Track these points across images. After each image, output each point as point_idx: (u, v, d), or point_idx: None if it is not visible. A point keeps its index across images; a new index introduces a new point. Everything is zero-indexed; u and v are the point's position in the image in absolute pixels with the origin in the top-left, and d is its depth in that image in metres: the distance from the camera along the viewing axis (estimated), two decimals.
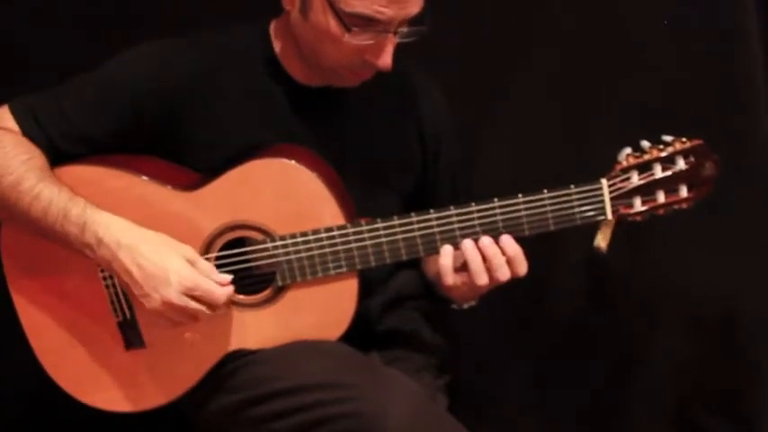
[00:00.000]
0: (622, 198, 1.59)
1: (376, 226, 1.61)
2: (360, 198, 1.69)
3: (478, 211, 1.59)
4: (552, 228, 1.59)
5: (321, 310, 1.66)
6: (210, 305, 1.57)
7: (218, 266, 1.65)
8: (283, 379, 1.60)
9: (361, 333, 1.70)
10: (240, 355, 1.67)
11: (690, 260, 2.19)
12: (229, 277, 1.60)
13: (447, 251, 1.60)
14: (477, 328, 2.19)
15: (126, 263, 1.55)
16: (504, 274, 1.58)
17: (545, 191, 1.58)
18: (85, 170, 1.66)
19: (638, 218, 1.60)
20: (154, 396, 1.70)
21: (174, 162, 1.69)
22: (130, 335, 1.68)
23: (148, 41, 1.69)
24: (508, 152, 2.19)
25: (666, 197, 1.59)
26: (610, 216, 1.59)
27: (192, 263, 1.57)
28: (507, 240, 1.58)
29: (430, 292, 1.84)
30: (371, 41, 1.57)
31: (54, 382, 1.71)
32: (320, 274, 1.63)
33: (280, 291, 1.66)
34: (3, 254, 1.70)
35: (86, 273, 1.66)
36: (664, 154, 1.58)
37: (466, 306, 1.75)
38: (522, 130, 2.17)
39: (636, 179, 1.58)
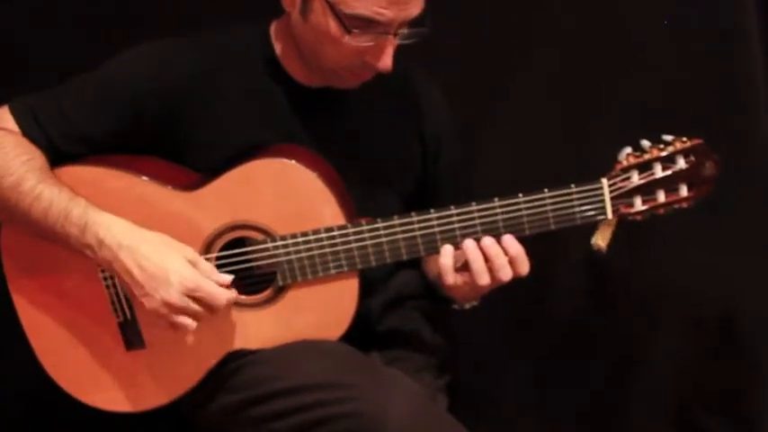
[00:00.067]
0: (623, 197, 1.59)
1: (376, 226, 1.61)
2: (360, 198, 1.69)
3: (479, 210, 1.59)
4: (553, 227, 1.59)
5: (322, 310, 1.66)
6: (211, 307, 1.57)
7: (218, 266, 1.65)
8: (283, 379, 1.60)
9: (362, 333, 1.70)
10: (240, 355, 1.67)
11: (690, 260, 2.19)
12: (230, 278, 1.60)
13: (447, 251, 1.60)
14: (476, 328, 2.19)
15: (127, 263, 1.55)
16: (506, 275, 1.58)
17: (545, 190, 1.58)
18: (85, 170, 1.65)
19: (639, 217, 1.60)
20: (154, 396, 1.70)
21: (174, 162, 1.69)
22: (131, 335, 1.68)
23: (148, 41, 1.69)
24: (508, 152, 2.19)
25: (667, 197, 1.59)
26: (610, 215, 1.59)
27: (193, 264, 1.57)
28: (509, 240, 1.58)
29: (431, 292, 1.84)
30: (371, 43, 1.57)
31: (54, 382, 1.71)
32: (321, 274, 1.63)
33: (280, 291, 1.66)
34: (3, 254, 1.70)
35: (87, 273, 1.66)
36: (664, 153, 1.58)
37: (468, 306, 1.75)
38: (523, 129, 2.18)
39: (636, 179, 1.58)
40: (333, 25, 1.56)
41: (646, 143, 1.59)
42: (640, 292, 2.24)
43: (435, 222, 1.60)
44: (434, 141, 1.81)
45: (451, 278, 1.60)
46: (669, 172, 1.59)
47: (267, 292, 1.66)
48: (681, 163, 1.58)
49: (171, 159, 1.68)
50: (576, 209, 1.59)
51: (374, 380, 1.59)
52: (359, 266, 1.63)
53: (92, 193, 1.61)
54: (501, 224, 1.59)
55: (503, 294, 1.67)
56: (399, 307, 1.85)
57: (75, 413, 1.73)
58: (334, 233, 1.61)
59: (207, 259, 1.64)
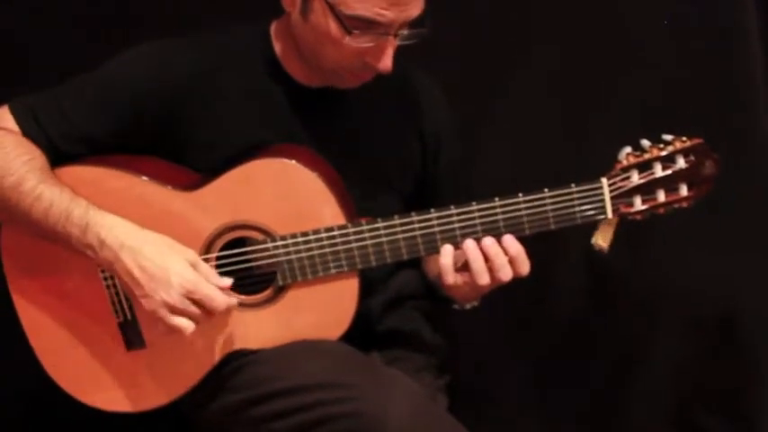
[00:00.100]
0: (623, 197, 1.59)
1: (376, 225, 1.61)
2: (360, 198, 1.69)
3: (479, 210, 1.59)
4: (553, 227, 1.59)
5: (322, 310, 1.66)
6: (209, 310, 1.57)
7: (218, 266, 1.65)
8: (284, 379, 1.60)
9: (362, 333, 1.70)
10: (241, 355, 1.67)
11: (690, 260, 2.19)
12: (230, 281, 1.60)
13: (447, 250, 1.60)
14: (477, 328, 2.19)
15: (128, 264, 1.55)
16: (506, 274, 1.58)
17: (545, 190, 1.58)
18: (85, 170, 1.65)
19: (639, 217, 1.60)
20: (154, 396, 1.70)
21: (174, 162, 1.68)
22: (131, 335, 1.68)
23: (148, 41, 1.69)
24: (508, 151, 2.19)
25: (667, 196, 1.59)
26: (610, 215, 1.59)
27: (193, 266, 1.57)
28: (510, 240, 1.58)
29: (431, 292, 1.84)
30: (372, 44, 1.57)
31: (54, 382, 1.71)
32: (321, 274, 1.63)
33: (280, 290, 1.66)
34: (3, 254, 1.70)
35: (87, 273, 1.66)
36: (664, 153, 1.58)
37: (468, 306, 1.75)
38: (523, 128, 2.18)
39: (636, 178, 1.58)
40: (333, 26, 1.56)
41: (646, 143, 1.59)
42: (640, 292, 2.24)
43: (435, 222, 1.60)
44: (434, 140, 1.81)
45: (451, 278, 1.60)
46: (669, 171, 1.59)
47: (267, 292, 1.66)
48: (681, 162, 1.58)
49: (171, 159, 1.68)
50: (576, 208, 1.59)
51: (374, 380, 1.59)
52: (359, 266, 1.63)
53: (92, 193, 1.61)
54: (501, 224, 1.59)
55: (503, 294, 1.67)
56: (399, 307, 1.85)
57: (75, 413, 1.73)
58: (335, 233, 1.61)
59: (207, 259, 1.64)
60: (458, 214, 1.59)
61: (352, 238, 1.61)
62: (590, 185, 1.58)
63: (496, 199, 1.58)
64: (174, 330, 1.56)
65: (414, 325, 1.86)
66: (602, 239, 1.61)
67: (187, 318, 1.56)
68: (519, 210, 1.58)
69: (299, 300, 1.65)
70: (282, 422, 1.59)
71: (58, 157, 1.65)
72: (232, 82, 1.68)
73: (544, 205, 1.58)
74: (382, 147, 1.77)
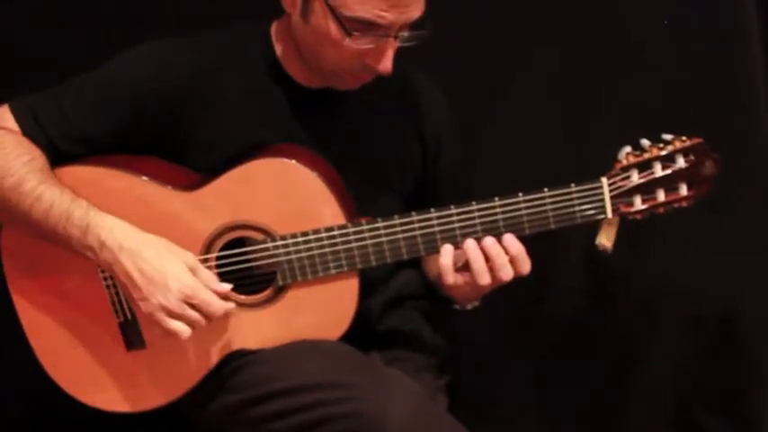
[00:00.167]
0: (623, 197, 1.59)
1: (376, 225, 1.61)
2: (360, 198, 1.69)
3: (479, 210, 1.59)
4: (553, 226, 1.59)
5: (322, 310, 1.66)
6: (207, 315, 1.57)
7: (218, 266, 1.65)
8: (283, 379, 1.60)
9: (362, 333, 1.70)
10: (240, 355, 1.67)
11: (690, 260, 2.19)
12: (228, 287, 1.60)
13: (447, 250, 1.59)
14: (477, 328, 2.19)
15: (127, 266, 1.55)
16: (507, 274, 1.57)
17: (545, 190, 1.58)
18: (85, 170, 1.65)
19: (639, 216, 1.60)
20: (154, 396, 1.70)
21: (174, 162, 1.69)
22: (131, 335, 1.68)
23: (148, 41, 1.69)
24: (508, 152, 2.19)
25: (666, 196, 1.59)
26: (610, 215, 1.59)
27: (193, 270, 1.57)
28: (510, 239, 1.58)
29: (432, 293, 1.84)
30: (372, 45, 1.57)
31: (54, 382, 1.71)
32: (321, 274, 1.63)
33: (280, 290, 1.66)
34: (3, 254, 1.70)
35: (87, 273, 1.66)
36: (664, 152, 1.58)
37: (469, 307, 1.75)
38: (523, 129, 2.18)
39: (636, 178, 1.58)
40: (333, 28, 1.56)
41: (645, 142, 1.59)
42: (640, 292, 2.24)
43: (435, 222, 1.60)
44: (434, 141, 1.81)
45: (451, 278, 1.60)
46: (669, 171, 1.59)
47: (267, 292, 1.66)
48: (680, 162, 1.59)
49: (171, 159, 1.68)
50: (576, 208, 1.59)
51: (374, 380, 1.59)
52: (359, 266, 1.63)
53: (92, 194, 1.61)
54: (501, 224, 1.59)
55: (503, 294, 1.67)
56: (399, 307, 1.85)
57: (75, 413, 1.73)
58: (335, 233, 1.61)
59: (207, 259, 1.64)
60: (458, 214, 1.59)
61: (352, 237, 1.61)
62: (590, 185, 1.58)
63: (496, 199, 1.58)
64: (171, 334, 1.56)
65: (414, 325, 1.86)
66: (605, 239, 1.60)
67: (184, 322, 1.56)
68: (519, 209, 1.58)
69: (299, 300, 1.65)
70: (282, 422, 1.59)
71: (57, 157, 1.65)
72: (232, 82, 1.68)
73: (544, 205, 1.58)
74: (382, 148, 1.77)
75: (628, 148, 1.59)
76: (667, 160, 1.58)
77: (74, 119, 1.65)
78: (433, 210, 1.60)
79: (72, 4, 2.11)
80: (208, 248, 1.65)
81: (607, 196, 1.58)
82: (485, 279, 1.58)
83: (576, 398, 2.28)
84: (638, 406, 2.27)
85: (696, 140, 1.59)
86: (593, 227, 1.61)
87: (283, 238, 1.62)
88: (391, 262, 1.62)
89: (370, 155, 1.76)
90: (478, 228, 1.59)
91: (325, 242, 1.62)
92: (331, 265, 1.62)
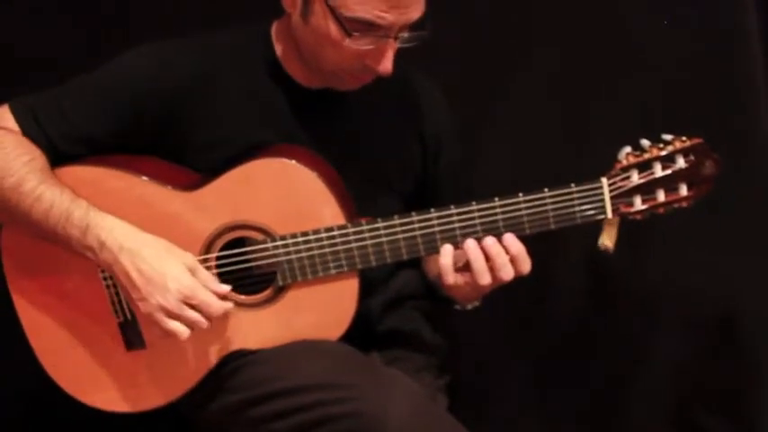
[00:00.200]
0: (623, 197, 1.59)
1: (376, 225, 1.61)
2: (360, 198, 1.69)
3: (479, 210, 1.59)
4: (553, 227, 1.59)
5: (322, 310, 1.66)
6: (206, 315, 1.57)
7: (218, 266, 1.65)
8: (283, 379, 1.60)
9: (362, 333, 1.70)
10: (240, 355, 1.67)
11: (690, 260, 2.19)
12: (228, 288, 1.60)
13: (447, 250, 1.59)
14: (477, 328, 2.19)
15: (126, 266, 1.55)
16: (507, 274, 1.57)
17: (545, 190, 1.58)
18: (85, 170, 1.65)
19: (639, 216, 1.60)
20: (154, 396, 1.70)
21: (174, 162, 1.69)
22: (131, 335, 1.68)
23: (148, 42, 1.69)
24: (508, 152, 2.19)
25: (666, 196, 1.59)
26: (610, 215, 1.59)
27: (192, 271, 1.57)
28: (510, 239, 1.58)
29: (432, 293, 1.84)
30: (372, 46, 1.57)
31: (54, 382, 1.71)
32: (321, 274, 1.63)
33: (280, 290, 1.66)
34: (3, 254, 1.70)
35: (87, 273, 1.66)
36: (664, 153, 1.58)
37: (470, 307, 1.75)
38: (523, 129, 2.18)
39: (636, 178, 1.58)
40: (333, 28, 1.56)
41: (645, 142, 1.59)
42: (640, 292, 2.24)
43: (435, 222, 1.60)
44: (434, 141, 1.81)
45: (452, 278, 1.60)
46: (669, 171, 1.59)
47: (267, 292, 1.66)
48: (680, 162, 1.58)
49: (171, 159, 1.68)
50: (576, 208, 1.59)
51: (374, 380, 1.59)
52: (359, 266, 1.63)
53: (92, 194, 1.61)
54: (501, 224, 1.59)
55: (503, 294, 1.67)
56: (399, 307, 1.85)
57: (74, 413, 1.73)
58: (334, 233, 1.61)
59: (206, 259, 1.64)
60: (458, 214, 1.59)
61: (351, 238, 1.61)
62: (590, 185, 1.58)
63: (496, 199, 1.58)
64: (170, 335, 1.56)
65: (414, 325, 1.86)
66: (608, 240, 1.60)
67: (183, 323, 1.56)
68: (519, 209, 1.58)
69: (299, 300, 1.65)
70: (282, 422, 1.59)
71: (57, 157, 1.65)
72: (232, 82, 1.68)
73: (544, 205, 1.58)
74: (382, 148, 1.77)
75: (628, 149, 1.59)
76: (667, 160, 1.58)
77: (74, 119, 1.65)
78: (432, 210, 1.60)
79: (72, 4, 2.11)
80: (208, 248, 1.65)
81: (607, 196, 1.58)
82: (485, 279, 1.57)
83: (576, 398, 2.28)
84: (638, 406, 2.27)
85: (696, 140, 1.59)
86: (594, 227, 1.61)
87: (283, 238, 1.62)
88: (391, 262, 1.62)
89: (370, 155, 1.76)
90: (478, 228, 1.59)
91: (325, 242, 1.62)
92: (331, 265, 1.62)
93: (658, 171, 1.58)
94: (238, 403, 1.65)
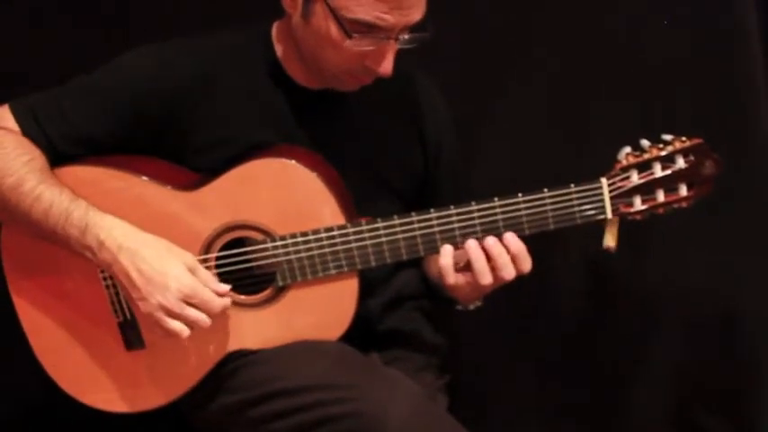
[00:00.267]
0: (622, 197, 1.59)
1: (376, 225, 1.61)
2: (360, 199, 1.69)
3: (479, 210, 1.59)
4: (552, 227, 1.59)
5: (321, 310, 1.66)
6: (206, 314, 1.57)
7: (218, 266, 1.65)
8: (283, 379, 1.60)
9: (362, 333, 1.70)
10: (240, 356, 1.67)
11: (690, 260, 2.19)
12: (228, 287, 1.60)
13: (447, 251, 1.59)
14: (477, 328, 2.19)
15: (126, 266, 1.55)
16: (509, 273, 1.57)
17: (545, 190, 1.58)
18: (85, 170, 1.65)
19: (638, 217, 1.60)
20: (154, 396, 1.70)
21: (173, 162, 1.68)
22: (131, 335, 1.68)
23: (148, 42, 1.69)
24: (508, 151, 2.19)
25: (666, 196, 1.59)
26: (610, 215, 1.59)
27: (192, 270, 1.57)
28: (511, 238, 1.58)
29: (434, 293, 1.84)
30: (372, 47, 1.57)
31: (54, 382, 1.71)
32: (320, 274, 1.63)
33: (280, 291, 1.66)
34: (3, 254, 1.70)
35: (86, 273, 1.66)
36: (663, 153, 1.58)
37: (472, 307, 1.75)
38: (522, 129, 2.17)
39: (636, 178, 1.58)
40: (334, 29, 1.56)
41: (645, 143, 1.59)
42: (640, 292, 2.24)
43: (435, 222, 1.60)
44: (434, 141, 1.81)
45: (452, 278, 1.60)
46: (669, 171, 1.59)
47: (267, 292, 1.66)
48: (680, 162, 1.59)
49: (171, 159, 1.68)
50: (576, 208, 1.59)
51: (374, 380, 1.59)
52: (359, 266, 1.63)
53: (91, 194, 1.61)
54: (501, 224, 1.59)
55: (503, 295, 1.67)
56: (399, 307, 1.85)
57: (74, 413, 1.73)
58: (334, 233, 1.61)
59: (206, 259, 1.64)
60: (457, 214, 1.59)
61: (351, 238, 1.61)
62: (589, 185, 1.58)
63: (496, 199, 1.59)
64: (170, 334, 1.56)
65: (414, 325, 1.86)
66: (611, 240, 1.60)
67: (183, 322, 1.56)
68: (518, 210, 1.58)
69: (299, 300, 1.65)
70: (282, 423, 1.59)
71: (57, 157, 1.65)
72: (233, 83, 1.68)
73: (544, 205, 1.58)
74: (382, 148, 1.77)
75: (628, 149, 1.59)
76: (667, 161, 1.58)
77: (74, 119, 1.65)
78: (432, 210, 1.60)
79: (72, 4, 2.11)
80: (207, 248, 1.65)
81: (607, 197, 1.58)
82: (486, 279, 1.57)
83: (576, 398, 2.28)
84: (638, 406, 2.27)
85: (696, 141, 1.59)
86: (594, 227, 1.61)
87: (283, 238, 1.62)
88: (391, 262, 1.62)
89: (370, 155, 1.76)
90: (478, 228, 1.59)
91: (325, 242, 1.62)
92: (331, 265, 1.62)
93: (658, 171, 1.58)
94: (238, 403, 1.65)
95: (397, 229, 1.61)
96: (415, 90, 1.81)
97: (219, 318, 1.61)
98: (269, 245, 1.63)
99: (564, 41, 2.14)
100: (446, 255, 1.59)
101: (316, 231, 1.62)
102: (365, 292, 1.68)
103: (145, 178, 1.65)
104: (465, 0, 2.10)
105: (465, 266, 1.60)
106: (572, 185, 1.58)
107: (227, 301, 1.59)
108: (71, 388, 1.71)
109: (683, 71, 2.12)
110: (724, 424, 2.25)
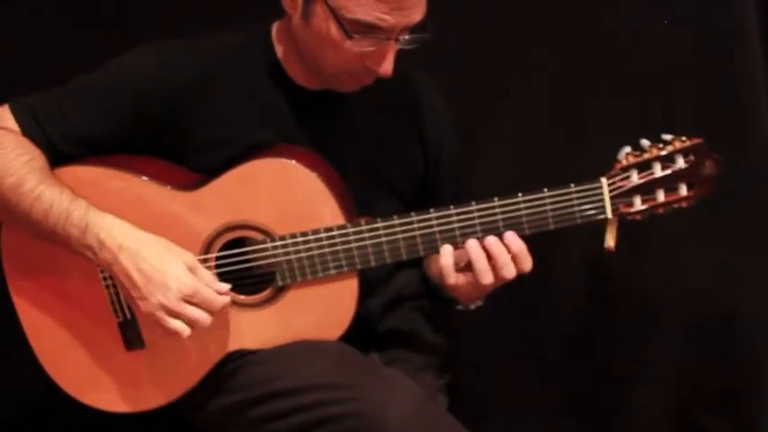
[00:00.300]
0: (622, 197, 1.59)
1: (376, 225, 1.61)
2: (360, 199, 1.69)
3: (478, 210, 1.59)
4: (552, 227, 1.59)
5: (321, 310, 1.66)
6: (207, 312, 1.57)
7: (217, 266, 1.65)
8: (283, 379, 1.60)
9: (362, 333, 1.70)
10: (240, 356, 1.67)
11: (690, 260, 2.19)
12: (228, 287, 1.60)
13: (447, 251, 1.59)
14: (477, 328, 2.19)
15: (126, 266, 1.55)
16: (509, 272, 1.57)
17: (545, 190, 1.58)
18: (85, 170, 1.65)
19: (638, 217, 1.60)
20: (154, 396, 1.70)
21: (173, 162, 1.68)
22: (131, 335, 1.68)
23: (148, 42, 1.69)
24: (508, 152, 2.19)
25: (666, 196, 1.59)
26: (610, 215, 1.59)
27: (192, 270, 1.57)
28: (511, 237, 1.58)
29: (434, 293, 1.84)
30: (373, 48, 1.57)
31: (54, 382, 1.71)
32: (320, 274, 1.63)
33: (280, 291, 1.66)
34: (3, 254, 1.70)
35: (87, 273, 1.66)
36: (663, 153, 1.58)
37: (473, 307, 1.75)
38: (522, 129, 2.17)
39: (636, 178, 1.58)
40: (334, 30, 1.56)
41: (645, 142, 1.59)
42: (640, 292, 2.24)
43: (435, 222, 1.60)
44: (435, 141, 1.81)
45: (453, 278, 1.60)
46: (669, 171, 1.59)
47: (267, 292, 1.66)
48: (680, 162, 1.59)
49: (171, 159, 1.68)
50: (576, 208, 1.59)
51: (374, 380, 1.59)
52: (358, 266, 1.63)
53: (91, 194, 1.61)
54: (500, 224, 1.59)
55: (503, 295, 1.67)
56: (399, 307, 1.85)
57: (74, 413, 1.73)
58: (334, 233, 1.61)
59: (206, 259, 1.64)
60: (457, 214, 1.59)
61: (351, 238, 1.61)
62: (589, 185, 1.58)
63: (496, 199, 1.59)
64: (171, 333, 1.56)
65: (414, 325, 1.86)
66: (611, 240, 1.60)
67: (184, 321, 1.56)
68: (518, 210, 1.58)
69: (299, 300, 1.65)
70: (282, 423, 1.59)
71: (57, 157, 1.65)
72: (233, 83, 1.68)
73: (543, 205, 1.58)
74: (382, 148, 1.77)
75: (628, 149, 1.59)
76: (667, 160, 1.58)
77: (74, 119, 1.65)
78: (432, 210, 1.60)
79: (72, 4, 2.11)
80: (207, 248, 1.65)
81: (607, 196, 1.58)
82: (488, 278, 1.57)
83: (576, 398, 2.28)
84: (638, 406, 2.27)
85: (696, 140, 1.59)
86: (594, 227, 1.61)
87: (283, 238, 1.62)
88: (391, 262, 1.62)
89: (370, 155, 1.76)
90: (478, 228, 1.59)
91: (325, 242, 1.62)
92: (330, 265, 1.62)
93: (658, 171, 1.58)
94: (238, 403, 1.65)
95: (397, 229, 1.61)
96: (415, 91, 1.81)
97: (219, 318, 1.61)
98: (269, 245, 1.63)
99: (564, 42, 2.14)
100: (446, 255, 1.59)
101: (315, 231, 1.62)
102: (365, 292, 1.68)
103: (145, 178, 1.65)
104: (465, 1, 2.10)
105: (466, 266, 1.60)
106: (572, 185, 1.58)
107: (227, 299, 1.59)
108: (71, 388, 1.71)
109: (683, 71, 2.12)
110: (724, 424, 2.25)
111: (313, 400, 1.56)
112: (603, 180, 1.58)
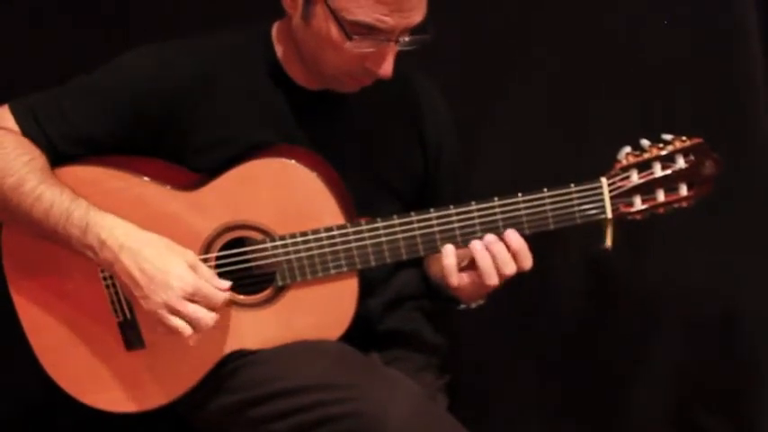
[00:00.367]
0: (622, 197, 1.59)
1: (376, 225, 1.61)
2: (360, 199, 1.69)
3: (478, 210, 1.59)
4: (552, 227, 1.59)
5: (321, 310, 1.66)
6: (209, 309, 1.57)
7: (217, 266, 1.65)
8: (283, 379, 1.60)
9: (362, 333, 1.70)
10: (240, 356, 1.67)
11: (690, 260, 2.19)
12: (229, 284, 1.60)
13: (449, 251, 1.59)
14: (477, 327, 2.19)
15: (128, 265, 1.55)
16: (510, 270, 1.58)
17: (545, 190, 1.58)
18: (85, 170, 1.65)
19: (638, 216, 1.60)
20: (154, 396, 1.70)
21: (173, 162, 1.68)
22: (131, 335, 1.68)
23: (148, 42, 1.69)
24: (508, 152, 2.19)
25: (666, 196, 1.59)
26: (610, 215, 1.59)
27: (193, 268, 1.57)
28: (512, 235, 1.58)
29: (434, 293, 1.84)
30: (372, 49, 1.57)
31: (54, 382, 1.71)
32: (320, 274, 1.63)
33: (280, 291, 1.65)
34: (3, 254, 1.70)
35: (87, 273, 1.66)
36: (663, 152, 1.58)
37: (474, 306, 1.75)
38: (522, 129, 2.18)
39: (636, 178, 1.58)
40: (334, 31, 1.56)
41: (645, 142, 1.59)
42: (640, 292, 2.24)
43: (435, 222, 1.60)
44: (434, 142, 1.81)
45: (456, 278, 1.60)
46: (669, 171, 1.59)
47: (267, 292, 1.66)
48: (680, 162, 1.59)
49: (171, 159, 1.68)
50: (576, 208, 1.59)
51: (374, 380, 1.59)
52: (358, 266, 1.63)
53: (91, 194, 1.61)
54: (500, 224, 1.59)
55: (503, 294, 1.67)
56: (399, 307, 1.85)
57: (74, 413, 1.73)
58: (334, 233, 1.61)
59: (206, 259, 1.64)
60: (457, 214, 1.59)
61: (351, 238, 1.61)
62: (589, 185, 1.59)
63: (496, 199, 1.59)
64: (173, 332, 1.56)
65: (414, 325, 1.86)
66: (610, 240, 1.60)
67: (186, 320, 1.56)
68: (518, 209, 1.58)
69: (299, 300, 1.65)
70: (282, 423, 1.59)
71: (57, 157, 1.65)
72: (233, 83, 1.68)
73: (543, 205, 1.58)
74: (382, 148, 1.77)
75: (628, 148, 1.60)
76: (667, 160, 1.58)
77: (74, 119, 1.64)
78: (432, 210, 1.60)
79: (72, 4, 2.11)
80: (207, 248, 1.65)
81: (607, 196, 1.58)
82: (492, 279, 1.58)
83: (576, 398, 2.28)
84: (638, 406, 2.27)
85: (696, 140, 1.59)
86: (594, 227, 1.61)
87: (282, 238, 1.62)
88: (391, 262, 1.62)
89: (370, 155, 1.76)
90: (478, 228, 1.59)
91: (325, 242, 1.62)
92: (330, 265, 1.62)
93: (658, 171, 1.58)
94: (238, 403, 1.65)
95: (397, 228, 1.61)
96: (415, 92, 1.81)
97: (219, 318, 1.61)
98: (269, 245, 1.63)
99: (563, 41, 2.14)
100: (449, 255, 1.59)
101: (315, 231, 1.62)
102: (365, 292, 1.68)
103: (145, 178, 1.65)
104: (465, 2, 2.10)
105: (468, 266, 1.60)
106: (572, 185, 1.58)
107: (227, 295, 1.59)
108: (71, 388, 1.71)
109: (683, 71, 2.12)
110: (724, 424, 2.25)
111: (313, 401, 1.56)
112: (603, 180, 1.59)
